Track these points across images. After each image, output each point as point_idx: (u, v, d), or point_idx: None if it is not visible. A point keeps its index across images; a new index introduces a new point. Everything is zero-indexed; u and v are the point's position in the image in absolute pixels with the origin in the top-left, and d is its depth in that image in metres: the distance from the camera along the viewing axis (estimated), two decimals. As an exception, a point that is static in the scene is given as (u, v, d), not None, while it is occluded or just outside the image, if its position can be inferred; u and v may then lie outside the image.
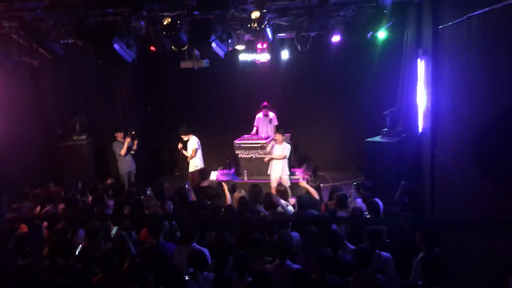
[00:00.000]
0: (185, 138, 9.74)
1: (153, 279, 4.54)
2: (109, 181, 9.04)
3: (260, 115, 11.04)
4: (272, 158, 9.24)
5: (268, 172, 9.34)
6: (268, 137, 10.41)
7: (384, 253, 4.81)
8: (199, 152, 9.83)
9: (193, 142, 9.74)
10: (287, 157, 9.19)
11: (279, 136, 9.16)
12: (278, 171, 9.12)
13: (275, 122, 10.97)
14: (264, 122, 11.02)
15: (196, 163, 9.83)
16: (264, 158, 9.57)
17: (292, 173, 9.72)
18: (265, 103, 10.95)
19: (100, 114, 11.25)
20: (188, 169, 9.99)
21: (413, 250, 4.98)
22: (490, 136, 4.06)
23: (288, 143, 9.48)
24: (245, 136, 10.58)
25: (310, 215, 5.91)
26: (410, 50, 8.65)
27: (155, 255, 4.96)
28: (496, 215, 3.89)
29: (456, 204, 5.50)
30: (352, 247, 5.00)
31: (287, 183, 8.87)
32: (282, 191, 7.10)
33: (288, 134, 10.02)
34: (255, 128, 10.98)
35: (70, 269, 4.82)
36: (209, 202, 6.73)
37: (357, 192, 6.97)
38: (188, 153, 9.78)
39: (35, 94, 9.75)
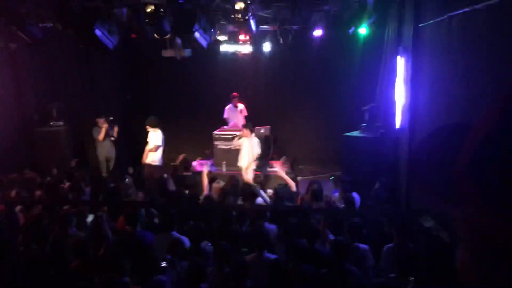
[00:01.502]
0: (150, 129, 9.25)
1: (131, 267, 4.52)
2: (73, 163, 8.93)
3: (229, 106, 10.87)
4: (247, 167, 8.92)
5: (238, 164, 9.18)
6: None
7: (361, 245, 4.90)
8: (160, 149, 9.34)
9: (157, 137, 9.26)
10: (258, 153, 8.98)
11: (244, 131, 9.00)
12: (244, 163, 8.93)
13: (245, 113, 10.86)
14: (234, 113, 10.85)
15: (153, 158, 9.30)
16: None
17: (270, 166, 9.78)
18: (234, 93, 10.78)
19: (79, 101, 11.06)
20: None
21: (389, 242, 5.08)
22: (467, 134, 4.17)
23: (269, 137, 9.43)
24: (225, 127, 10.56)
25: (288, 206, 5.98)
26: (390, 47, 8.73)
27: (132, 243, 4.95)
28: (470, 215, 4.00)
29: (430, 200, 5.64)
30: (332, 237, 5.09)
31: (250, 177, 8.73)
32: (259, 183, 7.12)
33: (268, 127, 10.04)
34: (230, 122, 10.79)
35: (45, 256, 4.78)
36: (186, 192, 6.73)
37: (334, 185, 7.05)
38: (149, 146, 9.30)
39: (12, 78, 9.53)
